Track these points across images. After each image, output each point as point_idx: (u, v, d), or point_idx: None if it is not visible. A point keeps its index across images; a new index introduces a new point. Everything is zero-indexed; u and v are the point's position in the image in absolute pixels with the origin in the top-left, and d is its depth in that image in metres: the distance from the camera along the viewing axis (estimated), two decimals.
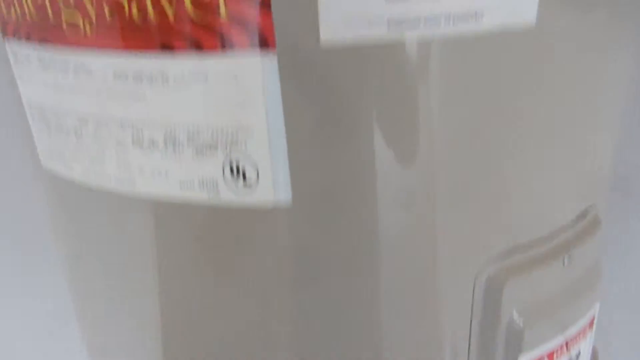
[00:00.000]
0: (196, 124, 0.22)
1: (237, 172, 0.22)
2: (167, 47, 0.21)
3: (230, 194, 0.23)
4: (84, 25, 0.22)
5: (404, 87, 0.22)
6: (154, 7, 0.20)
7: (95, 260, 0.31)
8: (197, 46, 0.20)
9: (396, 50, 0.21)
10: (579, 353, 0.31)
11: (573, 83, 0.26)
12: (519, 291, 0.27)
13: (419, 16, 0.20)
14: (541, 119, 0.25)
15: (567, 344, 0.29)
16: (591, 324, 0.31)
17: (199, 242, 0.25)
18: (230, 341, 0.27)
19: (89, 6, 0.21)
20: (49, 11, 0.22)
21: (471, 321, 0.27)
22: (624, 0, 0.26)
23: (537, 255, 0.27)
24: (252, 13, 0.19)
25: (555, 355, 0.29)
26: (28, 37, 0.24)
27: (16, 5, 0.24)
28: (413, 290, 0.26)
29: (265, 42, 0.20)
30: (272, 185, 0.22)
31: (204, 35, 0.20)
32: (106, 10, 0.21)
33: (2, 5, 0.24)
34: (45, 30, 0.23)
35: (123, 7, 0.21)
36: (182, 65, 0.21)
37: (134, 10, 0.20)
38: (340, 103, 0.21)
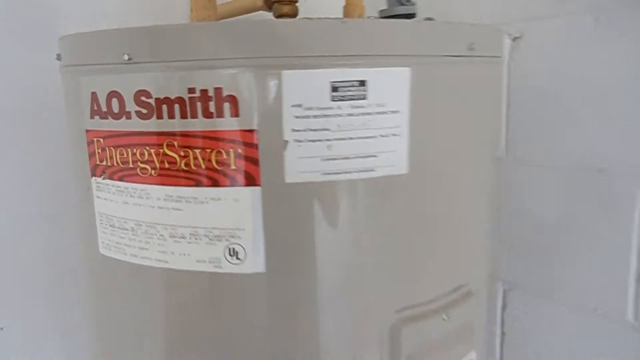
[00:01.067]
0: (211, 226, 0.38)
1: (233, 253, 0.38)
2: (199, 183, 0.37)
3: (228, 265, 0.38)
4: (150, 170, 0.39)
5: (335, 205, 0.38)
6: (194, 162, 0.37)
7: (124, 317, 0.44)
8: (216, 183, 0.37)
9: (328, 187, 0.38)
10: None
11: (436, 204, 0.43)
12: (412, 335, 0.41)
13: (340, 170, 0.38)
14: (422, 231, 0.42)
15: None
16: None
17: (202, 295, 0.40)
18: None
19: (156, 160, 0.38)
20: (130, 163, 0.39)
21: (381, 355, 0.41)
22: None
23: (424, 311, 0.42)
24: (248, 167, 0.36)
25: None
26: (111, 176, 0.41)
27: (107, 158, 0.40)
28: (344, 330, 0.40)
29: (254, 182, 0.37)
30: (253, 262, 0.38)
31: (220, 177, 0.37)
32: (165, 163, 0.38)
33: (97, 158, 0.41)
34: (124, 172, 0.40)
35: (176, 162, 0.38)
36: (206, 193, 0.37)
37: (182, 164, 0.37)
38: (297, 215, 0.38)
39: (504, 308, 0.77)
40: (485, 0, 0.72)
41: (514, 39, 0.70)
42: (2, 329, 0.67)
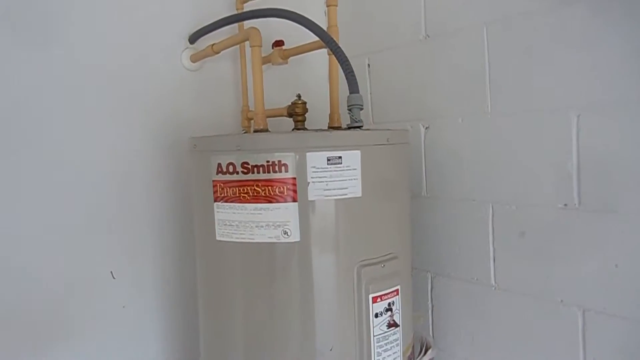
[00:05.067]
0: (275, 220, 0.86)
1: (285, 233, 0.86)
2: (270, 201, 0.86)
3: (283, 238, 0.86)
4: (247, 197, 0.87)
5: (330, 210, 0.87)
6: (269, 191, 0.86)
7: (227, 272, 0.91)
8: (278, 201, 0.86)
9: (326, 202, 0.86)
10: (392, 302, 0.91)
11: (376, 211, 0.92)
12: (367, 273, 0.89)
13: (331, 194, 0.87)
14: (370, 224, 0.91)
15: (383, 295, 0.90)
16: (397, 291, 0.92)
17: (271, 253, 0.87)
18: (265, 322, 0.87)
19: (250, 192, 0.87)
20: (238, 194, 0.87)
21: (354, 283, 0.88)
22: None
23: (373, 263, 0.90)
24: (292, 194, 0.85)
25: (379, 299, 0.89)
26: (226, 201, 0.89)
27: (225, 191, 0.89)
28: (336, 268, 0.88)
29: (295, 200, 0.85)
30: (294, 236, 0.86)
31: (280, 198, 0.86)
32: (253, 192, 0.86)
33: (218, 190, 0.89)
34: (233, 198, 0.88)
35: (259, 192, 0.86)
36: (274, 206, 0.86)
37: (263, 193, 0.86)
38: (313, 214, 0.86)
39: (432, 289, 1.24)
40: (409, 107, 1.26)
41: (426, 127, 1.22)
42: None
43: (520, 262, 1.04)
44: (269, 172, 0.86)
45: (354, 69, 0.92)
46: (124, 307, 1.13)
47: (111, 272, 1.10)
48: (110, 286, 1.11)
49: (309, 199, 0.86)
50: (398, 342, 0.93)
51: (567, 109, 0.94)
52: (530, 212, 1.02)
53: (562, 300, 0.97)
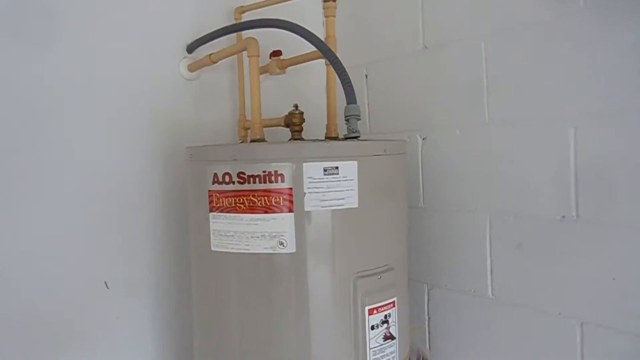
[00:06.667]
0: (271, 231, 0.85)
1: (281, 243, 0.85)
2: (266, 212, 0.85)
3: (279, 249, 0.85)
4: (243, 207, 0.86)
5: (326, 220, 0.86)
6: (265, 202, 0.85)
7: (222, 281, 0.90)
8: (274, 211, 0.85)
9: (323, 212, 0.86)
10: (389, 314, 0.91)
11: (372, 222, 0.91)
12: (364, 284, 0.88)
13: (328, 205, 0.86)
14: (366, 234, 0.90)
15: (379, 307, 0.89)
16: (393, 303, 0.91)
17: (266, 264, 0.86)
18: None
19: (246, 202, 0.86)
20: (233, 204, 0.87)
21: (350, 294, 0.87)
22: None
23: (369, 274, 0.89)
24: (288, 204, 0.85)
25: (376, 311, 0.89)
26: (221, 211, 0.88)
27: (221, 201, 0.88)
28: (332, 279, 0.87)
29: (291, 210, 0.85)
30: (290, 247, 0.85)
31: (276, 209, 0.85)
32: (249, 203, 0.86)
33: (214, 200, 0.89)
34: (229, 208, 0.87)
35: (255, 202, 0.86)
36: (270, 216, 0.85)
37: (259, 203, 0.85)
38: (310, 224, 0.86)
39: (428, 300, 1.23)
40: (407, 118, 1.26)
41: (423, 138, 1.22)
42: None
43: (518, 274, 1.04)
44: (265, 182, 0.85)
45: (352, 79, 0.92)
46: (117, 317, 1.12)
47: (105, 282, 1.09)
48: (104, 296, 1.10)
49: (306, 209, 0.85)
50: (394, 354, 0.92)
51: (564, 120, 0.94)
52: (528, 223, 1.01)
53: (560, 313, 0.97)
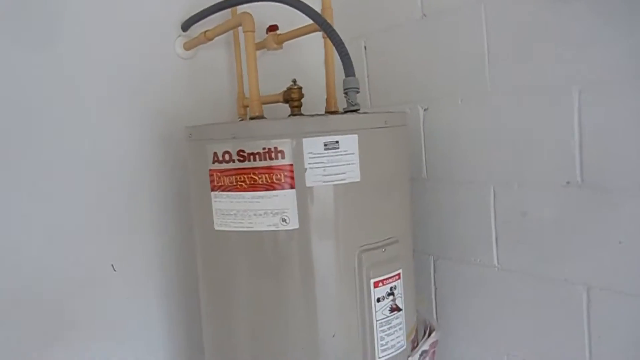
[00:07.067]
0: (273, 208, 0.85)
1: (284, 220, 0.85)
2: (268, 189, 0.85)
3: (282, 226, 0.85)
4: (244, 185, 0.86)
5: (328, 195, 0.86)
6: (266, 179, 0.85)
7: (226, 259, 0.90)
8: (276, 188, 0.85)
9: (324, 187, 0.85)
10: (394, 286, 0.91)
11: (375, 195, 0.90)
12: (368, 258, 0.88)
13: (329, 180, 0.86)
14: (369, 208, 0.90)
15: (384, 280, 0.89)
16: (399, 275, 0.92)
17: (270, 241, 0.86)
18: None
19: (247, 180, 0.85)
20: (235, 182, 0.86)
21: (355, 268, 0.87)
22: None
23: (373, 247, 0.89)
24: (290, 180, 0.84)
25: (381, 283, 0.89)
26: (223, 190, 0.88)
27: (222, 180, 0.88)
28: (337, 253, 0.87)
29: (293, 187, 0.84)
30: (293, 223, 0.85)
31: (278, 185, 0.85)
32: (250, 180, 0.85)
33: (215, 180, 0.88)
34: (230, 187, 0.87)
35: (257, 180, 0.85)
36: (271, 193, 0.85)
37: (260, 181, 0.85)
38: (312, 200, 0.85)
39: (434, 272, 1.24)
40: (408, 89, 1.24)
41: (425, 109, 1.21)
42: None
43: (523, 242, 1.03)
44: (265, 159, 0.84)
45: (351, 52, 0.90)
46: (125, 298, 1.13)
47: (112, 265, 1.10)
48: (112, 280, 1.11)
49: (307, 185, 0.84)
50: (401, 326, 0.92)
51: (568, 85, 0.92)
52: (533, 191, 1.00)
53: (566, 279, 0.97)
